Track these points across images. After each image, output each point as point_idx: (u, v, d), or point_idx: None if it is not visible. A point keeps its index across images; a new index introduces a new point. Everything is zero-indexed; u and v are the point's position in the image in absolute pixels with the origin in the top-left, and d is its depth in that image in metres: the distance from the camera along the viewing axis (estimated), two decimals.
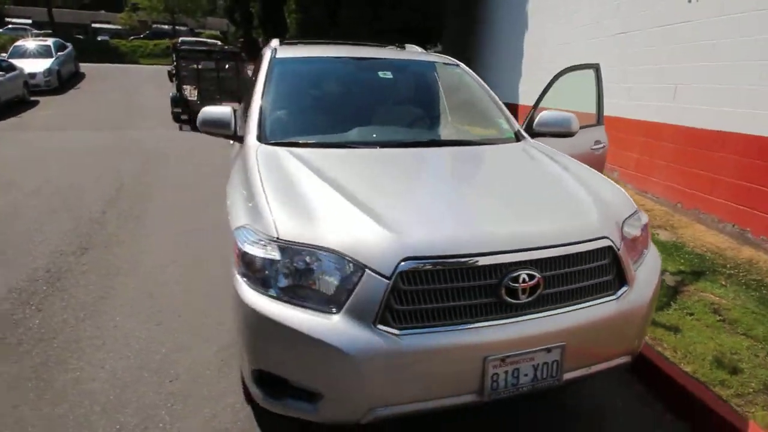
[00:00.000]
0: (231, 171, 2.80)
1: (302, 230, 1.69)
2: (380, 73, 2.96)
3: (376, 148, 2.44)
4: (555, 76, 3.49)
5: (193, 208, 5.42)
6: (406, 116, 2.93)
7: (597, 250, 1.82)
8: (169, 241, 4.44)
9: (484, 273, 1.65)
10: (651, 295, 1.97)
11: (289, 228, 1.70)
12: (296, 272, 1.65)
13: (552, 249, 1.72)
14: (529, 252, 1.69)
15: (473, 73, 3.36)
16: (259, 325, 1.65)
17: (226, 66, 12.08)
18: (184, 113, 11.31)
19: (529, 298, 1.69)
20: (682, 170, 4.86)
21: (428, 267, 1.60)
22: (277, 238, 1.68)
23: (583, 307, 1.78)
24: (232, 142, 3.53)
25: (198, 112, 10.37)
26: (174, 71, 11.99)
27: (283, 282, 1.66)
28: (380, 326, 1.57)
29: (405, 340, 1.57)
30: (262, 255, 1.69)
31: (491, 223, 1.78)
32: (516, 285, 1.66)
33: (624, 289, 1.88)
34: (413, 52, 3.65)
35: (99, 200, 5.55)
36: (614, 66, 5.79)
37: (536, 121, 2.98)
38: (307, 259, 1.64)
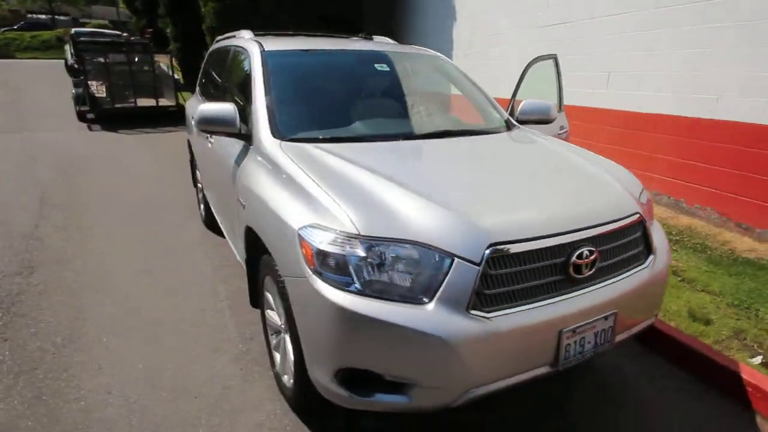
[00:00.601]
0: (230, 171, 2.65)
1: (381, 224, 1.68)
2: (377, 66, 2.96)
3: (398, 140, 2.46)
4: (526, 66, 3.71)
5: (139, 212, 5.01)
6: (412, 108, 2.96)
7: (633, 224, 2.02)
8: (128, 250, 4.08)
9: (554, 252, 1.76)
10: (668, 260, 2.21)
11: (367, 223, 1.68)
12: (381, 266, 1.64)
13: (603, 226, 1.88)
14: (587, 230, 1.83)
15: (455, 64, 3.47)
16: (348, 323, 1.62)
17: (136, 59, 11.16)
18: (92, 111, 10.29)
19: (589, 272, 1.83)
20: (621, 151, 5.40)
21: (511, 251, 1.68)
22: (359, 234, 1.66)
23: (626, 277, 1.97)
24: (211, 141, 3.32)
25: (108, 109, 9.56)
26: (75, 65, 10.79)
27: (368, 277, 1.64)
28: (472, 311, 1.62)
29: (495, 322, 1.64)
30: (342, 252, 1.65)
31: (551, 206, 1.89)
32: (580, 261, 1.79)
33: (651, 257, 2.10)
34: (391, 44, 3.67)
35: (25, 214, 4.92)
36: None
37: (518, 110, 3.15)
38: (393, 253, 1.64)
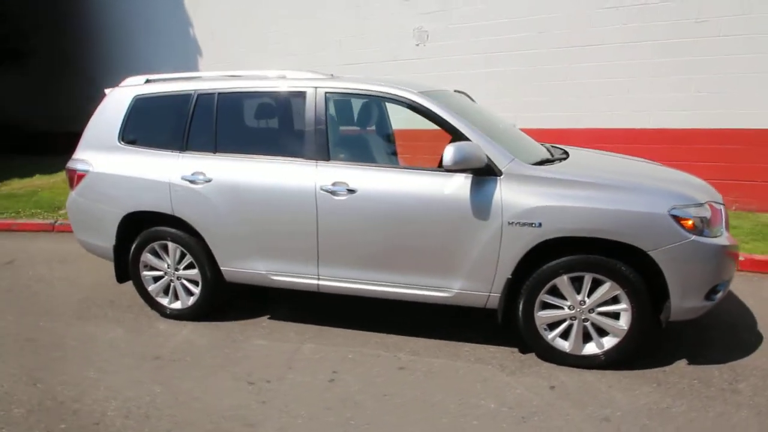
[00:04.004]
0: (463, 208, 2.84)
1: (700, 194, 2.80)
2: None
3: (564, 158, 3.31)
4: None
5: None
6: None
7: None
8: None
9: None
10: None
11: (692, 194, 2.78)
12: (710, 218, 2.75)
13: None
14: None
15: None
16: (722, 256, 2.69)
17: None
18: None
19: None
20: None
21: None
22: (704, 202, 2.70)
23: None
24: (350, 193, 3.05)
25: None
26: None
27: (708, 225, 2.71)
28: None
29: None
30: (702, 215, 2.67)
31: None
32: None
33: None
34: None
35: None
36: None
37: None
38: (709, 209, 2.76)
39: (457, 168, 2.73)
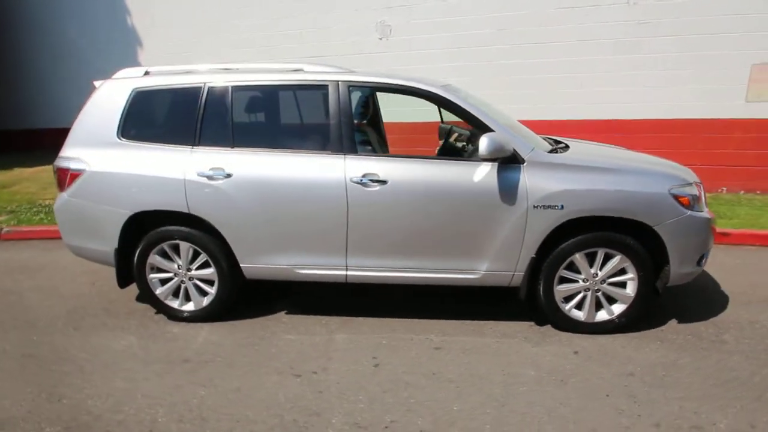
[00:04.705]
0: (491, 195, 3.05)
1: (684, 175, 3.21)
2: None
3: (564, 147, 3.61)
4: None
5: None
6: None
7: None
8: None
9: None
10: None
11: (683, 175, 3.17)
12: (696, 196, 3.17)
13: None
14: None
15: None
16: (708, 226, 3.11)
17: None
18: None
19: None
20: None
21: None
22: (695, 182, 3.11)
23: None
24: (383, 185, 3.14)
25: None
26: None
27: (697, 202, 3.13)
28: None
29: None
30: (693, 194, 3.07)
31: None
32: None
33: None
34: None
35: None
36: None
37: None
38: (696, 188, 3.18)
39: (491, 157, 2.93)
